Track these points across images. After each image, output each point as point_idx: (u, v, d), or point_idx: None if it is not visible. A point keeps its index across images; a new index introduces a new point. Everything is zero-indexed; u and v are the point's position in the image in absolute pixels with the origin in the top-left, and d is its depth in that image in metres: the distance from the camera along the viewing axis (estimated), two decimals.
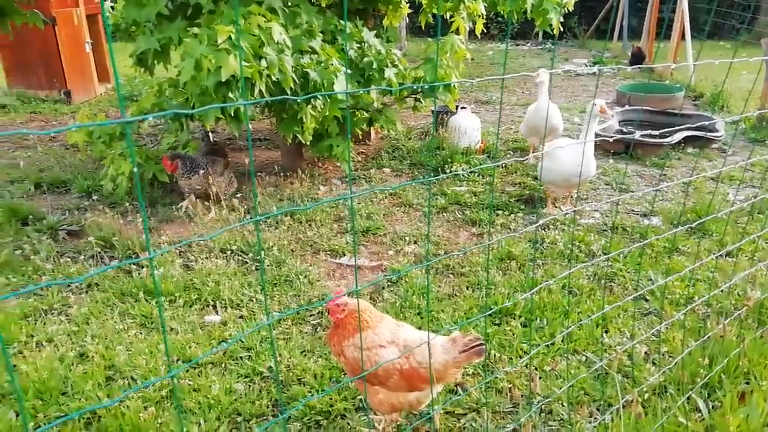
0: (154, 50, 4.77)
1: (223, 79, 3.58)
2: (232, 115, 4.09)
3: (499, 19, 16.61)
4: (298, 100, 4.24)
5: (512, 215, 5.10)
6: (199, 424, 2.68)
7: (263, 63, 3.85)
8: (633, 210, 5.32)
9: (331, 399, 2.85)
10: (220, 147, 5.61)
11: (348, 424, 2.73)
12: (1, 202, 5.16)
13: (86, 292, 3.86)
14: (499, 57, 14.66)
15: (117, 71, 0.99)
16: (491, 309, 3.48)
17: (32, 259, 4.09)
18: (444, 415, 2.77)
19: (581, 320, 3.38)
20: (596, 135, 7.16)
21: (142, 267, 4.09)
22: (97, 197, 5.50)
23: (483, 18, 6.98)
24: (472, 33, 7.49)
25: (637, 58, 12.33)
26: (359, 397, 2.83)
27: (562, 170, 4.83)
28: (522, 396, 2.83)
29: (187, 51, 3.69)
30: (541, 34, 17.41)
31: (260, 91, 3.93)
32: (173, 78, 4.91)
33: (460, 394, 2.88)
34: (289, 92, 4.24)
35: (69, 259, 4.24)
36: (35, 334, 3.33)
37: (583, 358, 3.17)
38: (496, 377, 3.00)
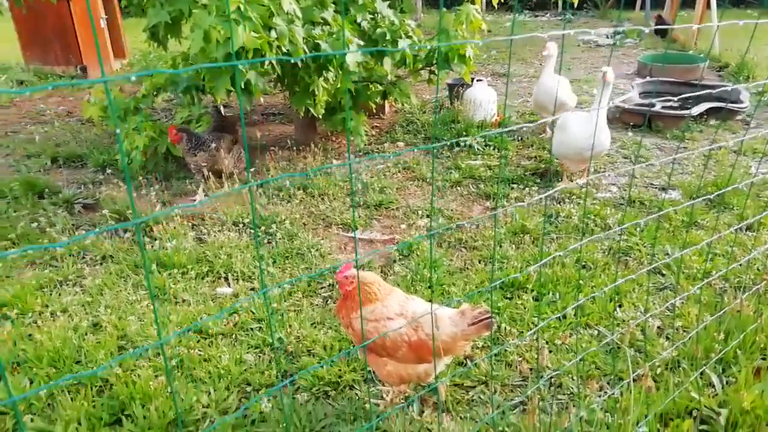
0: (165, 23, 4.73)
1: (233, 51, 3.53)
2: (243, 87, 4.04)
3: None
4: (303, 59, 4.19)
5: (527, 189, 5.02)
6: (209, 393, 2.71)
7: (273, 34, 3.79)
8: (652, 184, 5.20)
9: (339, 370, 2.85)
10: (231, 122, 5.52)
11: (356, 395, 2.74)
12: (18, 177, 5.22)
13: (101, 264, 3.91)
14: (516, 29, 14.33)
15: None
16: (499, 281, 3.45)
17: (48, 232, 4.14)
18: (452, 387, 2.76)
19: (594, 294, 3.33)
20: (615, 107, 7.01)
21: (155, 239, 4.11)
22: (112, 171, 5.54)
23: None
24: (489, 4, 7.32)
25: (660, 25, 11.97)
26: (368, 369, 2.84)
27: (573, 143, 4.74)
28: (531, 369, 2.81)
29: (197, 22, 3.65)
30: (560, 4, 16.98)
31: (270, 63, 3.88)
32: (186, 52, 4.88)
33: (469, 367, 2.86)
34: (299, 64, 4.18)
35: (84, 232, 4.28)
36: (50, 304, 3.38)
37: (596, 332, 3.13)
38: (506, 350, 2.98)
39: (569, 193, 4.89)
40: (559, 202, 4.78)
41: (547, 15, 17.25)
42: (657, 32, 12.07)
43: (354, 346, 2.80)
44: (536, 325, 3.13)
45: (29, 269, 3.80)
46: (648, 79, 8.26)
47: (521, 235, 4.21)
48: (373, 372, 2.69)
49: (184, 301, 3.47)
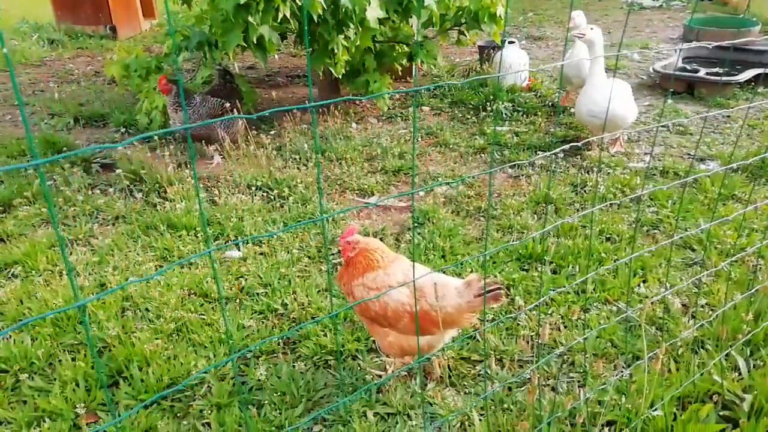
0: None
1: (242, 2, 3.37)
2: (256, 43, 3.89)
3: None
4: (321, 14, 3.99)
5: (555, 157, 4.77)
6: (209, 358, 2.65)
7: None
8: (689, 154, 4.89)
9: (342, 339, 2.76)
10: (235, 90, 5.21)
11: (359, 365, 2.64)
12: (38, 135, 5.23)
13: (112, 224, 3.88)
14: None
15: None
16: (495, 250, 3.28)
17: (63, 190, 4.13)
18: (459, 360, 2.64)
19: (608, 266, 3.13)
20: (654, 72, 6.61)
21: (167, 201, 4.06)
22: (132, 131, 5.51)
23: None
24: None
25: None
26: (372, 339, 2.73)
27: (583, 107, 4.56)
28: (531, 345, 2.66)
29: None
30: None
31: (285, 16, 3.70)
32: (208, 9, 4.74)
33: (477, 340, 2.73)
34: (316, 19, 3.99)
35: (99, 191, 4.26)
36: (58, 263, 3.37)
37: (615, 308, 2.94)
38: (519, 324, 2.83)
39: (598, 162, 4.63)
40: (588, 171, 4.53)
41: None
42: None
43: (356, 314, 2.70)
44: (554, 301, 2.98)
45: (42, 227, 3.80)
46: (693, 43, 7.75)
47: (544, 205, 4.00)
48: (376, 343, 2.59)
49: (191, 264, 3.41)
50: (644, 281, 3.14)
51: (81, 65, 8.32)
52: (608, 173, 4.45)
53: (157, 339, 2.71)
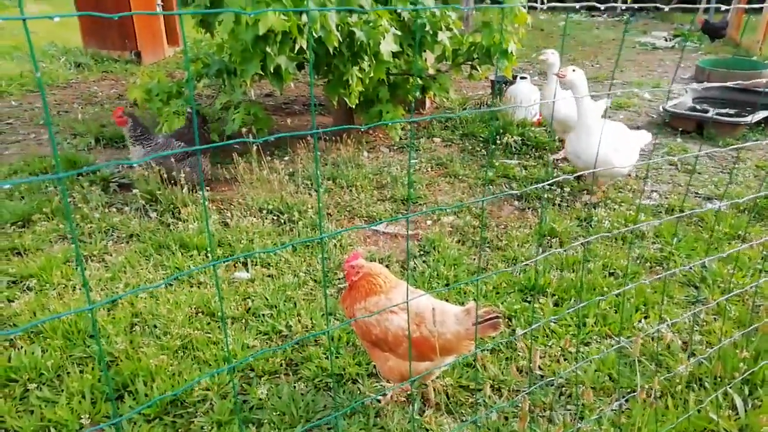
0: (206, 8, 4.77)
1: (261, 33, 3.52)
2: (273, 72, 4.03)
3: None
4: (337, 46, 4.14)
5: (561, 191, 4.83)
6: (213, 376, 2.71)
7: (304, 18, 3.77)
8: (697, 193, 4.92)
9: (344, 362, 2.80)
10: (204, 135, 5.05)
11: (358, 389, 2.68)
12: (60, 153, 5.39)
13: (127, 242, 3.99)
14: (570, 28, 13.93)
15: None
16: (484, 276, 3.32)
17: (81, 208, 4.26)
18: (457, 388, 2.66)
19: (619, 303, 3.16)
20: (665, 111, 6.69)
21: (181, 221, 4.17)
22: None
23: None
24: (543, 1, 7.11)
25: (707, 30, 11.44)
26: (372, 364, 2.77)
27: (570, 148, 4.51)
28: (538, 375, 2.68)
29: (228, 3, 3.66)
30: (619, 3, 16.39)
31: (301, 47, 3.85)
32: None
33: (477, 368, 2.76)
34: (332, 51, 4.14)
35: (115, 210, 4.38)
36: (72, 278, 3.46)
37: (615, 342, 2.96)
38: (519, 354, 2.86)
39: (606, 198, 4.68)
40: (594, 207, 4.57)
41: (604, 15, 16.68)
42: (705, 32, 11.56)
43: (357, 338, 2.74)
44: (555, 333, 3.01)
45: (58, 243, 3.92)
46: (705, 84, 7.84)
47: (549, 238, 4.05)
48: (377, 368, 2.63)
49: (200, 283, 3.49)
50: (646, 317, 3.16)
51: (105, 88, 8.59)
52: (614, 209, 4.49)
53: (163, 355, 2.77)
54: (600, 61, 10.76)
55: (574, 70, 4.36)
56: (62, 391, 2.59)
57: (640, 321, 3.12)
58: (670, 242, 3.93)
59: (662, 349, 2.82)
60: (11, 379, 2.65)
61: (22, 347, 2.85)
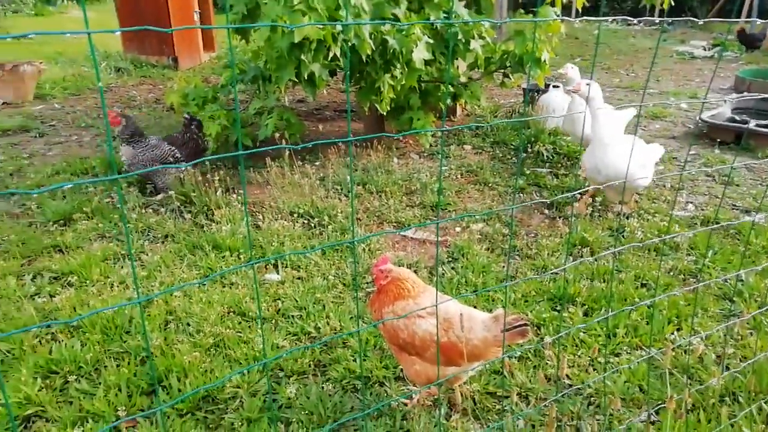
0: (243, 15, 4.89)
1: (296, 41, 3.60)
2: (307, 78, 4.11)
3: None
4: (370, 54, 4.19)
5: (592, 200, 4.78)
6: (243, 375, 2.76)
7: (338, 27, 3.84)
8: (735, 205, 4.82)
9: (371, 365, 2.83)
10: (196, 140, 5.09)
11: (385, 392, 2.70)
12: (100, 156, 5.58)
13: (162, 242, 4.10)
14: (606, 36, 13.78)
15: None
16: (513, 281, 3.30)
17: (119, 208, 4.39)
18: (485, 395, 2.66)
19: (651, 315, 3.12)
20: (702, 121, 6.56)
21: (214, 223, 4.27)
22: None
23: None
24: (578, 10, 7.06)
25: (743, 39, 11.17)
26: (399, 367, 2.80)
27: (587, 162, 4.37)
28: (566, 384, 2.66)
29: (265, 12, 3.75)
30: (657, 12, 16.13)
31: (335, 55, 3.92)
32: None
33: (504, 375, 2.76)
34: (365, 58, 4.19)
35: (152, 211, 4.51)
36: (110, 275, 3.58)
37: (645, 354, 2.92)
38: (547, 363, 2.84)
39: (639, 209, 4.62)
40: (627, 217, 4.52)
41: (641, 24, 16.42)
42: (741, 42, 11.30)
43: (384, 341, 2.77)
44: (585, 343, 2.98)
45: (98, 241, 4.05)
46: (744, 94, 7.67)
47: (580, 248, 4.01)
48: (403, 371, 2.65)
49: (232, 283, 3.57)
50: (678, 329, 3.11)
51: (144, 92, 8.84)
52: (647, 219, 4.43)
53: (195, 352, 2.84)
54: (636, 70, 10.63)
55: (588, 84, 4.24)
56: (100, 383, 2.68)
57: (672, 333, 3.07)
58: (705, 254, 3.86)
59: (694, 361, 2.77)
60: (52, 370, 2.76)
61: (62, 341, 2.96)
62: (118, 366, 2.79)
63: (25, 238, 4.02)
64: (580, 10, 6.30)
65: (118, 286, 3.46)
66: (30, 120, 7.05)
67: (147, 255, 3.84)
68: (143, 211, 4.47)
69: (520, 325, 2.28)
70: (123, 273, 3.58)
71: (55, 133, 6.69)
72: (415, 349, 2.40)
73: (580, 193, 4.74)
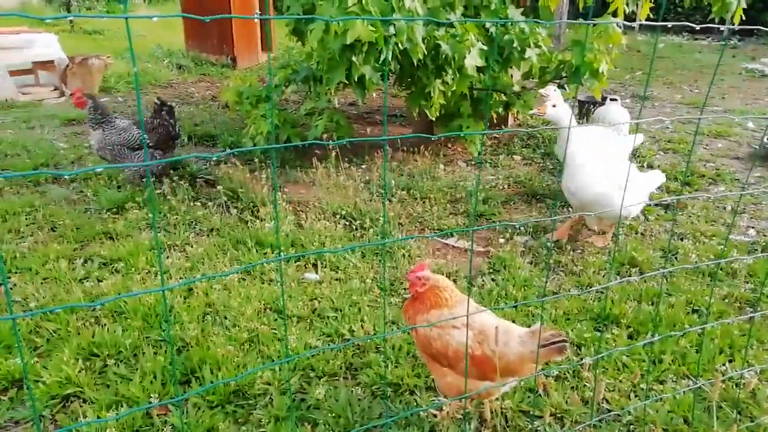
0: (298, 14, 4.96)
1: (348, 42, 3.61)
2: (357, 81, 4.12)
3: (679, 9, 14.93)
4: (422, 59, 4.16)
5: (645, 219, 4.60)
6: (274, 371, 2.77)
7: (391, 29, 3.83)
8: None
9: (403, 372, 2.79)
10: (166, 126, 4.89)
11: (415, 400, 2.66)
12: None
13: (207, 235, 4.18)
14: (670, 51, 13.29)
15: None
16: (552, 297, 3.17)
17: (169, 199, 4.52)
18: (517, 412, 2.58)
19: (701, 343, 2.95)
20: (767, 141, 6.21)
21: (258, 219, 4.33)
22: (237, 152, 5.93)
23: (650, 1, 6.29)
24: (643, 24, 6.84)
25: None
26: (431, 377, 2.74)
27: (563, 183, 4.06)
28: (609, 411, 2.55)
29: (319, 13, 3.78)
30: (727, 28, 15.45)
31: (386, 58, 3.91)
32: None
33: (539, 394, 2.66)
34: (416, 62, 4.17)
35: (200, 204, 4.61)
36: (155, 264, 3.67)
37: (692, 383, 2.76)
38: (585, 386, 2.73)
39: (693, 229, 4.40)
40: (681, 238, 4.31)
41: (709, 39, 15.78)
42: None
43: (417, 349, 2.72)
44: (627, 367, 2.85)
45: (146, 231, 4.17)
46: None
47: (628, 267, 3.86)
48: (435, 382, 2.60)
49: (271, 280, 3.60)
50: (730, 360, 2.93)
51: (201, 89, 9.10)
52: (703, 242, 4.21)
53: (230, 346, 2.87)
54: (700, 86, 10.19)
55: (554, 105, 3.99)
56: (137, 369, 2.75)
57: (723, 364, 2.89)
58: (764, 282, 3.63)
59: (746, 396, 2.60)
60: (93, 353, 2.84)
61: (105, 324, 3.05)
62: (155, 353, 2.85)
63: (80, 223, 4.18)
64: (644, 19, 6.09)
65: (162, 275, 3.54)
66: None
67: (192, 246, 3.92)
68: (192, 204, 4.58)
69: (558, 341, 2.20)
70: (168, 263, 3.67)
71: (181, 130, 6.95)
72: (448, 360, 2.35)
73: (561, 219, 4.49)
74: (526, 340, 2.27)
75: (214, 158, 5.13)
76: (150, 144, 4.79)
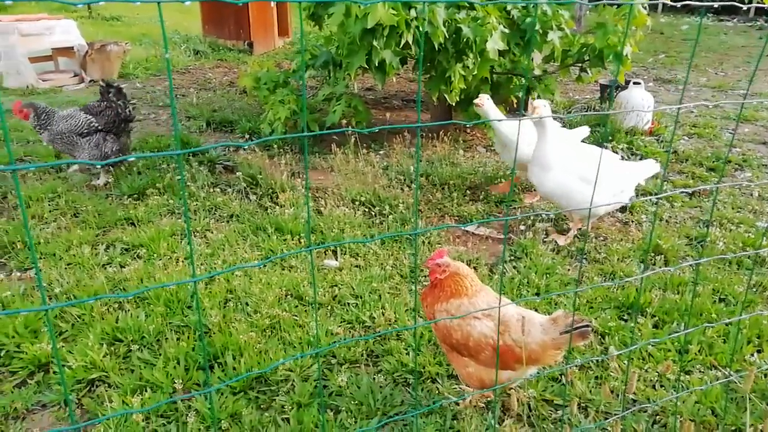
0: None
1: (369, 26, 3.56)
2: (377, 65, 4.07)
3: None
4: (442, 42, 4.09)
5: (670, 206, 4.51)
6: (293, 356, 2.77)
7: (412, 13, 3.76)
8: None
9: (424, 360, 2.78)
10: (115, 107, 4.70)
11: (437, 388, 2.64)
12: (175, 134, 5.77)
13: (227, 221, 4.19)
14: (695, 33, 12.94)
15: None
16: (580, 288, 3.12)
17: (189, 186, 4.53)
18: (540, 401, 2.55)
19: (728, 332, 2.89)
20: None
21: (278, 206, 4.32)
22: (256, 138, 5.92)
23: None
24: (666, 5, 6.67)
25: None
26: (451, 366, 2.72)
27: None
28: (635, 401, 2.51)
29: None
30: (753, 9, 15.01)
31: (407, 42, 3.85)
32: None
33: (563, 384, 2.63)
34: (437, 46, 4.10)
35: (219, 190, 4.62)
36: (177, 250, 3.69)
37: (721, 375, 2.71)
38: (610, 375, 2.69)
39: (721, 216, 4.31)
40: (707, 226, 4.22)
41: (734, 20, 15.36)
42: None
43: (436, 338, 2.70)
44: (653, 357, 2.81)
45: (167, 217, 4.19)
46: None
47: (653, 255, 3.79)
48: (456, 371, 2.58)
49: (291, 267, 3.60)
50: (759, 351, 2.87)
51: (219, 75, 9.10)
52: (730, 230, 4.12)
53: (252, 332, 2.88)
54: (725, 69, 9.95)
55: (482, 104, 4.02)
56: (160, 355, 2.77)
57: (752, 354, 2.83)
58: None
59: None
60: (117, 338, 2.87)
61: (128, 310, 3.07)
62: (178, 339, 2.87)
63: (102, 209, 4.21)
64: (667, 3, 5.92)
65: (183, 261, 3.57)
66: None
67: (212, 233, 3.93)
68: (211, 190, 4.59)
69: (581, 327, 2.16)
70: (188, 249, 3.68)
71: (134, 111, 6.98)
72: (469, 350, 2.32)
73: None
74: (547, 327, 2.24)
75: (245, 146, 5.12)
76: (99, 127, 4.60)
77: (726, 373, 2.69)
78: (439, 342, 2.48)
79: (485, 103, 4.14)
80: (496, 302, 2.34)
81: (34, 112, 4.45)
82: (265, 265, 3.55)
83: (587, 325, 2.12)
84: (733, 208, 4.49)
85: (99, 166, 4.65)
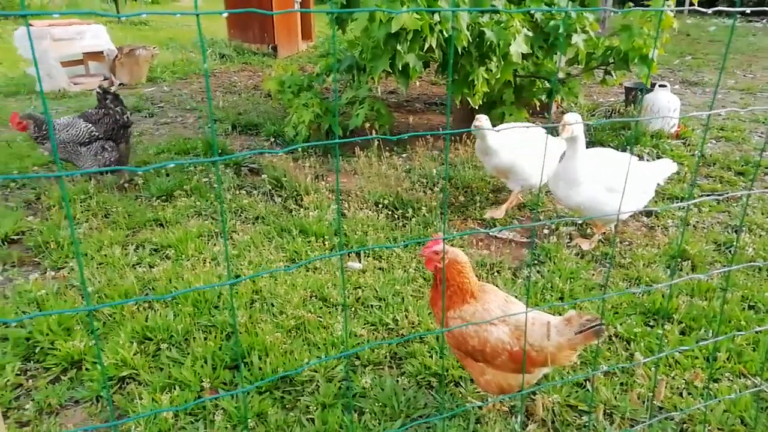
0: (341, 5, 4.95)
1: (393, 31, 3.59)
2: (401, 69, 4.09)
3: None
4: (466, 46, 4.09)
5: (698, 210, 4.45)
6: (320, 358, 2.81)
7: (436, 17, 3.78)
8: None
9: (448, 363, 2.79)
10: (113, 115, 4.68)
11: (460, 392, 2.66)
12: (202, 137, 5.88)
13: (252, 223, 4.25)
14: (722, 34, 12.74)
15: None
16: (602, 288, 3.09)
17: (215, 188, 4.60)
18: (565, 407, 2.55)
19: (758, 341, 2.85)
20: None
21: (302, 208, 4.37)
22: (280, 141, 6.00)
23: None
24: (692, 4, 6.57)
25: None
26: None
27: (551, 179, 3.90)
28: (661, 408, 2.49)
29: (364, 1, 3.77)
30: None
31: (430, 46, 3.87)
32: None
33: (587, 389, 2.62)
34: (460, 50, 4.11)
35: (245, 192, 4.69)
36: (204, 251, 3.76)
37: (751, 383, 2.67)
38: (635, 381, 2.67)
39: (749, 222, 4.24)
40: (735, 231, 4.16)
41: (764, 21, 15.05)
42: None
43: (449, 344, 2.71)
44: (680, 363, 2.78)
45: (194, 218, 4.27)
46: None
47: (680, 261, 3.74)
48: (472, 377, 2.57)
49: (316, 268, 3.64)
50: None
51: (244, 78, 9.22)
52: (760, 236, 4.05)
53: (277, 332, 2.92)
54: (754, 71, 9.77)
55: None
56: (188, 354, 2.83)
57: None
58: None
59: None
60: (147, 337, 2.94)
61: (158, 310, 3.14)
62: (205, 339, 2.92)
63: (131, 210, 4.31)
64: (696, 4, 5.84)
65: (210, 262, 3.63)
66: (141, 101, 7.55)
67: (238, 234, 4.00)
68: (237, 192, 4.66)
69: (594, 326, 2.16)
70: (215, 250, 3.75)
71: (162, 114, 7.12)
72: (485, 356, 2.30)
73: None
74: (561, 328, 2.24)
75: (281, 153, 5.18)
76: (99, 135, 4.60)
77: (756, 381, 2.65)
78: (452, 349, 2.43)
79: (484, 123, 3.96)
80: (507, 305, 2.34)
81: (33, 123, 4.43)
82: (288, 266, 3.60)
83: (600, 323, 2.12)
84: (762, 214, 4.41)
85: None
